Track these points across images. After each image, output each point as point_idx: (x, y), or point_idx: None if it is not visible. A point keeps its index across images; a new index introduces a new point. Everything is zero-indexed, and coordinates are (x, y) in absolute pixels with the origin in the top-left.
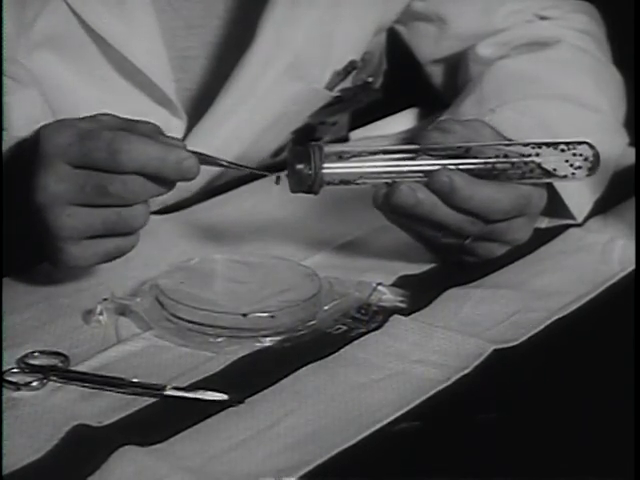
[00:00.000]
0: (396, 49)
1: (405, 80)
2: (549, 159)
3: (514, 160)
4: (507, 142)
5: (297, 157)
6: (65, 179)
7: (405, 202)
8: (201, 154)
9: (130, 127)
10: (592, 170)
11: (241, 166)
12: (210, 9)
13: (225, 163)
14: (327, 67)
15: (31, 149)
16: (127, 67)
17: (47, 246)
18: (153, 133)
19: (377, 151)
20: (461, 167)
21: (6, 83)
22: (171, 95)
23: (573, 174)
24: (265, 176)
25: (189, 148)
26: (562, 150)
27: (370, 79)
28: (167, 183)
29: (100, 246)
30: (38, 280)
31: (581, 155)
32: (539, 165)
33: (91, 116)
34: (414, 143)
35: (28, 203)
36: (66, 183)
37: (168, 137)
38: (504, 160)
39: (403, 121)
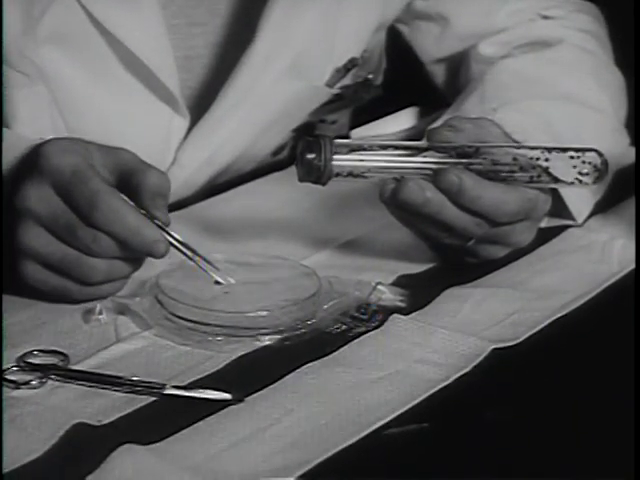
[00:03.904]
0: (396, 48)
1: (405, 79)
2: (557, 164)
3: (522, 164)
4: (517, 145)
5: (308, 147)
6: (45, 201)
7: (413, 200)
8: (177, 240)
9: (139, 175)
10: (599, 178)
11: (208, 262)
12: (212, 7)
13: (196, 259)
14: (328, 65)
15: (32, 157)
16: (133, 63)
17: (10, 254)
18: (157, 189)
19: (387, 145)
20: (470, 167)
21: (14, 77)
22: (175, 92)
23: (580, 181)
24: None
25: (170, 232)
26: (571, 157)
27: (370, 76)
28: (135, 253)
29: (51, 278)
30: None
31: (590, 163)
32: (546, 170)
33: (112, 148)
34: (424, 139)
35: (9, 204)
36: (45, 206)
37: (164, 200)
38: (512, 163)
39: (403, 120)
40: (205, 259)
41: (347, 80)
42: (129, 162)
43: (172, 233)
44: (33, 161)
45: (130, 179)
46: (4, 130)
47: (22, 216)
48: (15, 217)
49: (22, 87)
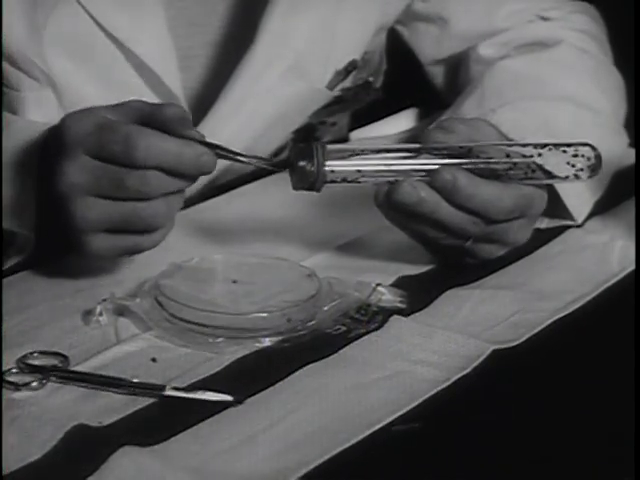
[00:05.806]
0: (396, 49)
1: (405, 80)
2: (551, 160)
3: (516, 160)
4: (509, 142)
5: (300, 154)
6: (83, 169)
7: (407, 200)
8: (218, 146)
9: (157, 113)
10: (594, 172)
11: (260, 159)
12: (212, 8)
13: (243, 158)
14: (328, 66)
15: (55, 136)
16: (136, 65)
17: (69, 235)
18: (179, 119)
19: (380, 149)
20: (463, 167)
21: (25, 82)
22: (178, 94)
23: (575, 175)
24: (276, 171)
25: (207, 140)
26: (564, 151)
27: (370, 78)
28: (186, 177)
29: (119, 241)
30: (38, 280)
31: (583, 156)
32: (540, 166)
33: (121, 103)
34: (417, 142)
35: (51, 190)
36: (84, 174)
37: (189, 126)
38: (506, 160)
39: (403, 121)
40: (258, 157)
41: (347, 82)
42: (142, 108)
43: (212, 142)
44: (56, 141)
45: (150, 120)
46: (10, 116)
47: (69, 194)
48: (62, 200)
49: (31, 91)
